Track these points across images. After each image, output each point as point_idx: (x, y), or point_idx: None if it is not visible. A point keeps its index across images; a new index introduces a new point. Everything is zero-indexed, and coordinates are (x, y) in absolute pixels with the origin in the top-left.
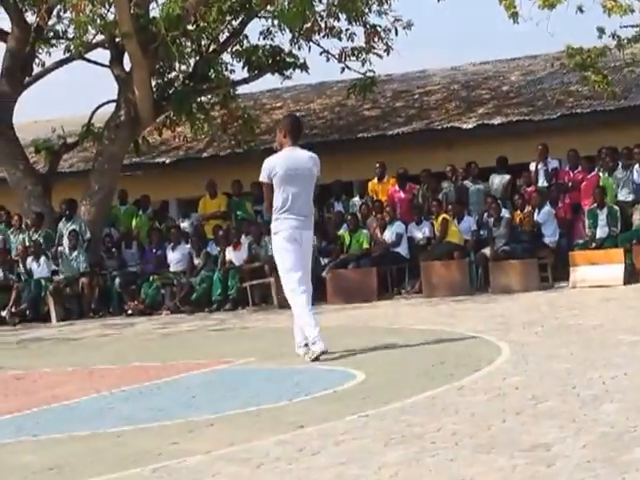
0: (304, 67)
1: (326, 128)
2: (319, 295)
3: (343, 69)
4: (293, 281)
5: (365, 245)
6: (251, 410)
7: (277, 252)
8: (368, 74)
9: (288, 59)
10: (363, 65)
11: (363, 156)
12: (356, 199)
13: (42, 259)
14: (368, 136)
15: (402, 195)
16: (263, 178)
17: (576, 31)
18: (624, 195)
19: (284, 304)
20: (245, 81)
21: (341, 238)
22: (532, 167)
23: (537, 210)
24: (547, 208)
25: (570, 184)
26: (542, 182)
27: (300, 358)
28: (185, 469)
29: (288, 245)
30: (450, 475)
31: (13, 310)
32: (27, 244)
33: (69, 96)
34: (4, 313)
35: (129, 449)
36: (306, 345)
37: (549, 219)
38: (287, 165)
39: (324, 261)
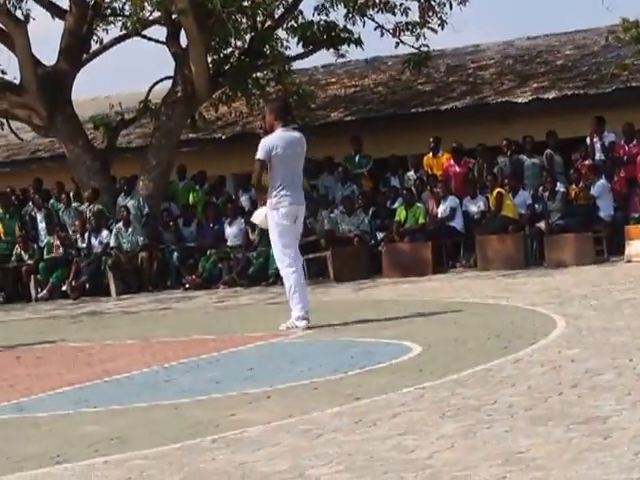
0: (359, 42)
1: (380, 103)
2: (375, 269)
3: (397, 44)
4: (290, 257)
5: (421, 220)
6: (308, 382)
7: (274, 228)
8: (422, 49)
9: (343, 34)
10: (417, 40)
11: (417, 131)
12: (411, 173)
13: (102, 233)
14: (422, 111)
15: (457, 169)
16: (262, 156)
17: (631, 4)
18: None
19: (340, 277)
20: (300, 57)
21: (397, 212)
22: (588, 141)
23: (592, 184)
24: (602, 182)
25: (625, 158)
26: (599, 156)
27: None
28: (244, 440)
29: (285, 222)
30: (506, 447)
31: (73, 284)
32: (87, 218)
33: (126, 73)
34: (65, 287)
35: (188, 420)
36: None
37: (604, 193)
38: (285, 145)
39: (380, 235)
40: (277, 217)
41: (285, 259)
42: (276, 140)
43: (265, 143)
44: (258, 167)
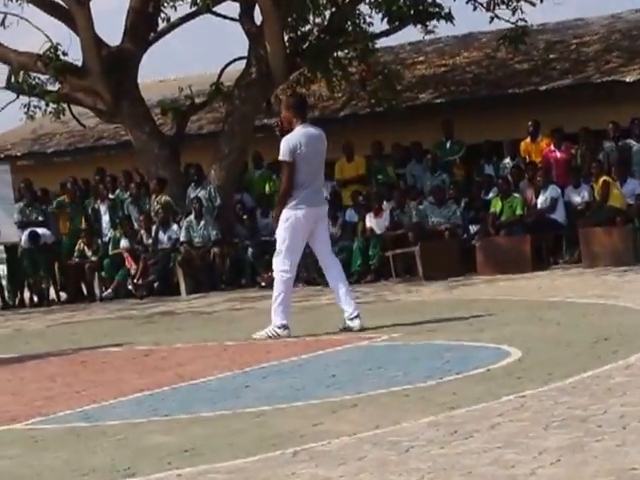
0: (449, 17)
1: (473, 84)
2: (468, 265)
3: (492, 19)
4: (289, 264)
5: (518, 211)
6: (397, 390)
7: (287, 229)
8: (519, 24)
9: (431, 9)
10: (514, 14)
11: (514, 113)
12: (507, 161)
13: (171, 227)
14: (519, 92)
15: (558, 155)
16: (288, 157)
17: None
18: None
19: (430, 275)
20: (385, 34)
21: (492, 204)
22: None
23: None
24: None
25: None
26: None
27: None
28: (329, 452)
29: (301, 225)
30: (617, 462)
31: (140, 282)
32: (154, 211)
33: (197, 53)
34: (131, 286)
35: (268, 430)
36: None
37: None
38: (309, 142)
39: (473, 229)
40: (293, 218)
41: (285, 262)
42: (299, 137)
43: (288, 142)
44: (287, 170)
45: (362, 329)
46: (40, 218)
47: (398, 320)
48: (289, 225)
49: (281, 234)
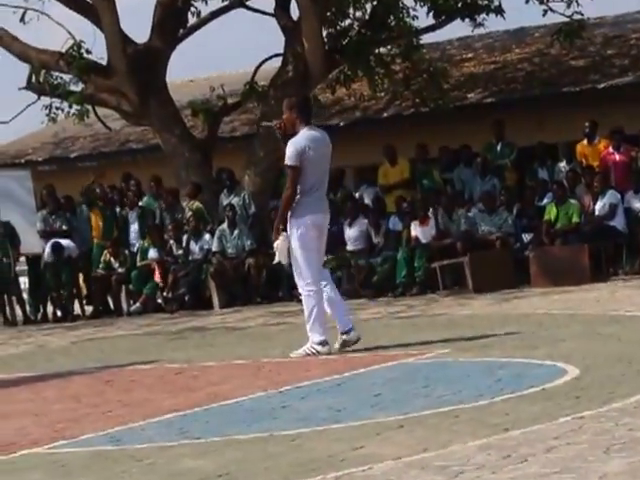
0: (499, 11)
1: (525, 82)
2: (521, 277)
3: (545, 12)
4: (310, 277)
5: (575, 219)
6: (446, 410)
7: (299, 240)
8: (575, 17)
9: (481, 2)
10: (569, 6)
11: (569, 113)
12: (562, 164)
13: (203, 237)
14: (575, 90)
15: (617, 158)
16: (295, 162)
17: None
18: None
19: (481, 287)
20: (431, 29)
21: (546, 211)
22: None
23: None
24: None
25: None
26: None
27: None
28: (371, 478)
29: (312, 233)
30: None
31: (170, 296)
32: (186, 219)
33: (229, 51)
34: (160, 299)
35: (307, 454)
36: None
37: None
38: (315, 146)
39: (526, 238)
40: (303, 228)
41: (307, 276)
42: (306, 142)
43: (295, 145)
44: (293, 175)
45: (358, 339)
46: (64, 227)
47: (446, 335)
48: (299, 237)
49: (299, 248)
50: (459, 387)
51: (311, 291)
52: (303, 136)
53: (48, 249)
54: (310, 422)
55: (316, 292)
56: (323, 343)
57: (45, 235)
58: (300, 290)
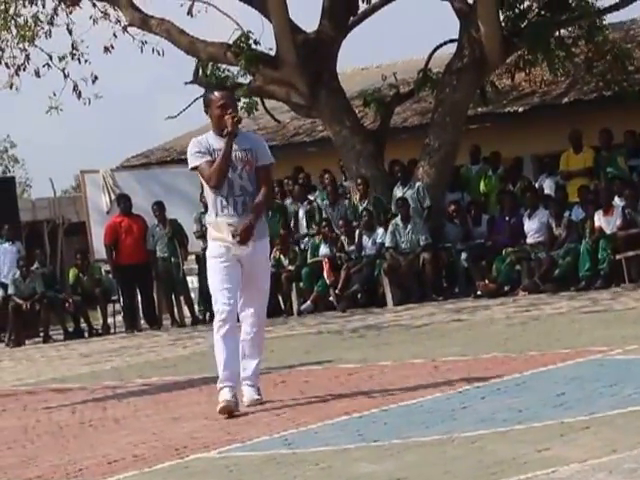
0: None
1: None
2: None
3: None
4: None
5: None
6: (636, 410)
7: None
8: None
9: None
10: None
11: None
12: None
13: (376, 231)
14: None
15: None
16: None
17: None
18: None
19: None
20: (615, 7)
21: None
22: None
23: None
24: None
25: None
26: None
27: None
28: None
29: None
30: None
31: (342, 293)
32: (359, 213)
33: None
34: (332, 297)
35: (487, 457)
36: None
37: None
38: None
39: None
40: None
41: None
42: None
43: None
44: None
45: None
46: None
47: (633, 331)
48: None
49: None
50: None
51: None
52: None
53: None
54: (490, 424)
55: None
56: None
57: (201, 237)
58: None
